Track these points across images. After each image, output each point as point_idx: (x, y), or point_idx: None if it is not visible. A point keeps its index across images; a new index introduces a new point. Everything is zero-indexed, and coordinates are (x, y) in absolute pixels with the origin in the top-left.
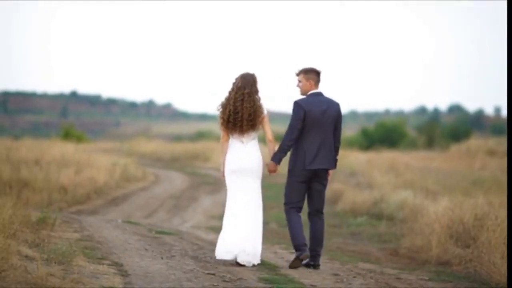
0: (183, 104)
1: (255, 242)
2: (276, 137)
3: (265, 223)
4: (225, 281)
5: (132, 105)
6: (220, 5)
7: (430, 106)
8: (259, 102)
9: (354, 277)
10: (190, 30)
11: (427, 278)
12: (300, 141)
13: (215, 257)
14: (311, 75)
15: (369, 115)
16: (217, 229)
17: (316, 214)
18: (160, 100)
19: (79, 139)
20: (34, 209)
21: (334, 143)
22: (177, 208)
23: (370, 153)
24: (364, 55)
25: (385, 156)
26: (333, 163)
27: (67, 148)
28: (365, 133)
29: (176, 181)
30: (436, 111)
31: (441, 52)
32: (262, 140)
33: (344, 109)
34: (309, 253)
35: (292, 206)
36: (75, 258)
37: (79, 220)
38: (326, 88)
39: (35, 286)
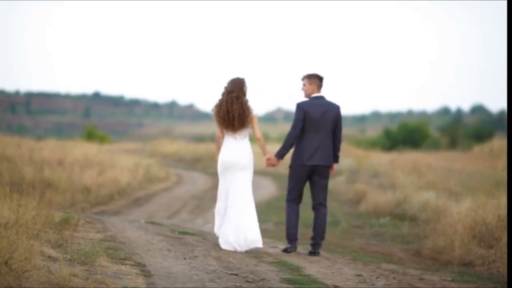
0: (205, 104)
1: (251, 228)
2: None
3: None
4: (248, 281)
5: (155, 106)
6: (244, 7)
7: (453, 106)
8: (247, 104)
9: (377, 277)
10: (214, 31)
11: (450, 279)
12: (301, 139)
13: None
14: (314, 79)
15: (392, 116)
16: None
17: (318, 207)
18: (182, 100)
19: (102, 139)
20: (57, 209)
21: (334, 142)
22: (200, 209)
23: (392, 153)
24: (387, 55)
25: (407, 157)
26: (332, 160)
27: (90, 149)
28: (387, 133)
29: (199, 181)
30: (459, 112)
31: (465, 53)
32: (252, 140)
33: (367, 110)
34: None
35: (290, 198)
36: (98, 259)
37: (102, 220)
38: (349, 89)
39: (58, 286)
